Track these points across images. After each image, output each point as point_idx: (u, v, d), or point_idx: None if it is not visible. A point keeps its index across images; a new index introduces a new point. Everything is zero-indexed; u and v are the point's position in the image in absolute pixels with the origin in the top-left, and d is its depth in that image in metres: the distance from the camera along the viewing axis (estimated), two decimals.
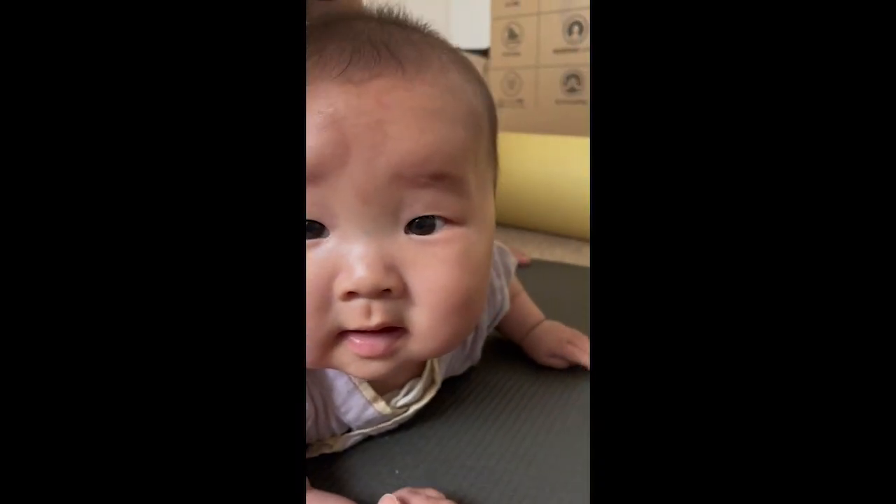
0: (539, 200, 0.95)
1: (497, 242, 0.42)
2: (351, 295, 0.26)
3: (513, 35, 1.47)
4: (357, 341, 0.27)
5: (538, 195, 0.95)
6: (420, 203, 0.26)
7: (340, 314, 0.26)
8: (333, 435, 0.38)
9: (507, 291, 0.44)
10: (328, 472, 0.37)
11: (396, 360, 0.29)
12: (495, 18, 1.48)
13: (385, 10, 0.30)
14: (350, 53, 0.25)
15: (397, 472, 0.37)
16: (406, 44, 0.26)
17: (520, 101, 1.51)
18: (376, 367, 0.29)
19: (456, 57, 0.29)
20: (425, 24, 0.31)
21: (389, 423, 0.39)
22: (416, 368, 0.38)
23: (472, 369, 0.48)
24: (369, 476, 0.37)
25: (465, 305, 0.27)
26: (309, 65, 0.25)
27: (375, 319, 0.26)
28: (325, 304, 0.26)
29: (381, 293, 0.26)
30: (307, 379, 0.34)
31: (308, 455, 0.38)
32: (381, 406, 0.36)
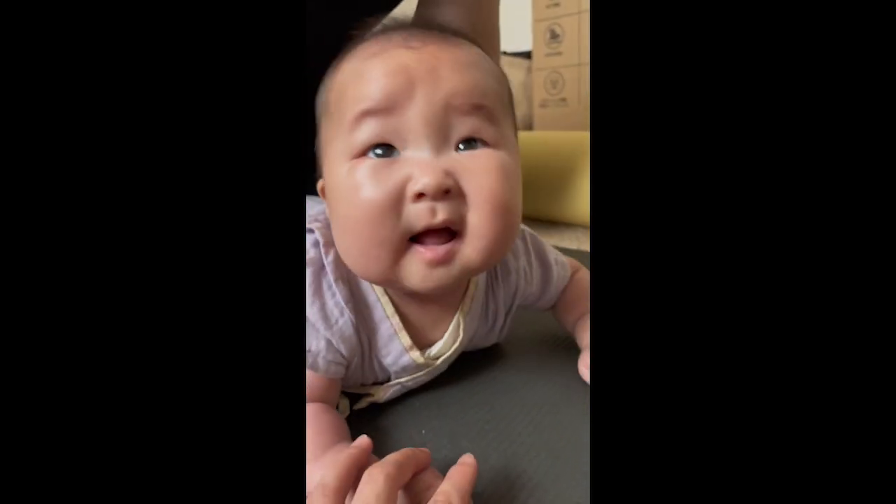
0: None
1: (523, 226, 0.47)
2: (420, 197, 0.32)
3: (554, 35, 1.50)
4: (422, 249, 0.33)
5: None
6: (466, 126, 0.33)
7: (410, 216, 0.32)
8: (376, 382, 0.44)
9: (532, 277, 0.48)
10: (367, 428, 0.43)
11: (455, 268, 0.34)
12: (537, 20, 1.51)
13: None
14: (408, 31, 0.35)
15: (423, 431, 0.43)
16: (445, 32, 0.36)
17: (563, 99, 1.54)
18: (440, 275, 0.34)
19: (480, 49, 0.38)
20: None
21: (423, 373, 0.45)
22: (446, 323, 0.43)
23: (496, 345, 0.53)
24: (400, 433, 0.43)
25: (506, 207, 0.34)
26: (374, 41, 0.35)
27: (440, 216, 0.32)
28: (398, 208, 0.32)
29: (443, 194, 0.32)
30: (358, 318, 0.40)
31: (356, 406, 0.44)
32: (415, 355, 0.42)
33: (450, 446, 0.41)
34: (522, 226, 0.47)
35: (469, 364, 0.51)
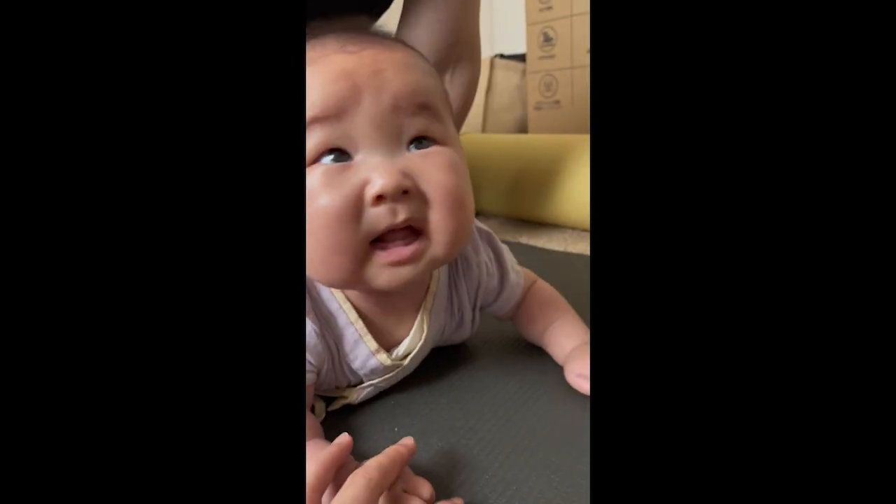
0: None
1: (479, 223, 0.48)
2: (379, 199, 0.32)
3: (547, 38, 1.51)
4: (384, 253, 0.34)
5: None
6: (415, 126, 0.35)
7: (370, 220, 0.33)
8: (349, 385, 0.46)
9: (493, 270, 0.49)
10: (341, 427, 0.45)
11: (420, 264, 0.35)
12: (530, 24, 1.53)
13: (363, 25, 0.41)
14: (344, 37, 0.35)
15: (396, 429, 0.44)
16: (380, 35, 0.38)
17: (557, 102, 1.55)
18: (405, 273, 0.35)
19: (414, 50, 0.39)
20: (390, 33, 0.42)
21: (393, 374, 0.46)
22: (411, 322, 0.44)
23: (469, 345, 0.55)
24: (373, 431, 0.44)
25: (463, 202, 0.36)
26: (310, 47, 0.35)
27: (401, 216, 0.33)
28: (358, 213, 0.33)
29: (402, 195, 0.33)
30: (322, 326, 0.41)
31: (331, 408, 0.46)
32: (382, 357, 0.44)
33: (420, 443, 0.43)
34: (479, 223, 0.48)
35: (441, 364, 0.52)
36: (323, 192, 0.32)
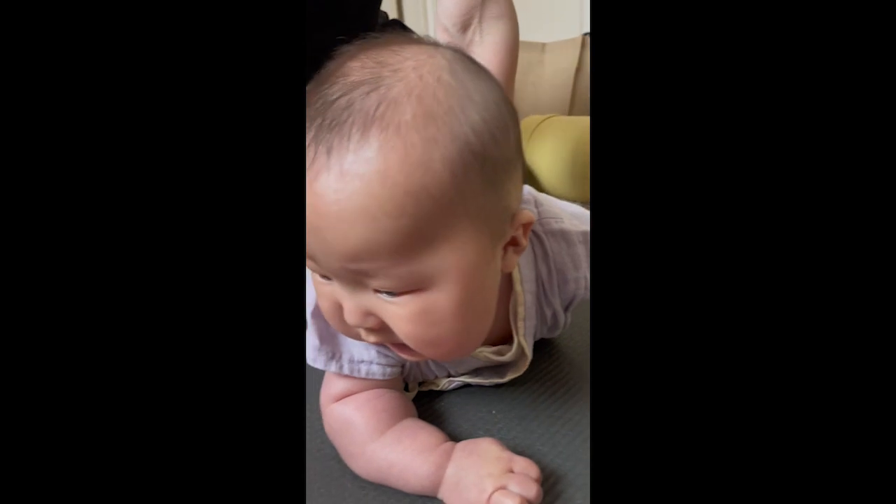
0: None
1: (585, 229, 0.44)
2: None
3: None
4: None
5: None
6: (374, 281, 0.30)
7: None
8: (436, 377, 0.45)
9: (586, 282, 0.45)
10: (435, 405, 0.45)
11: (420, 357, 0.35)
12: None
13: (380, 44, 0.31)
14: (313, 149, 0.28)
15: (494, 412, 0.44)
16: (357, 118, 0.27)
17: None
18: (408, 357, 0.35)
19: (432, 103, 0.28)
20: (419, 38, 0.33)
21: (487, 381, 0.45)
22: (505, 335, 0.43)
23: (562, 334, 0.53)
24: (471, 412, 0.44)
25: (434, 345, 0.32)
26: (308, 149, 0.28)
27: (371, 339, 0.34)
28: (342, 319, 0.33)
29: (367, 328, 0.32)
30: None
31: (421, 388, 0.46)
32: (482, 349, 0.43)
33: (519, 428, 0.42)
34: (584, 224, 0.44)
35: (540, 355, 0.51)
36: (318, 291, 0.34)
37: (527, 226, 0.34)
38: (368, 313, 0.31)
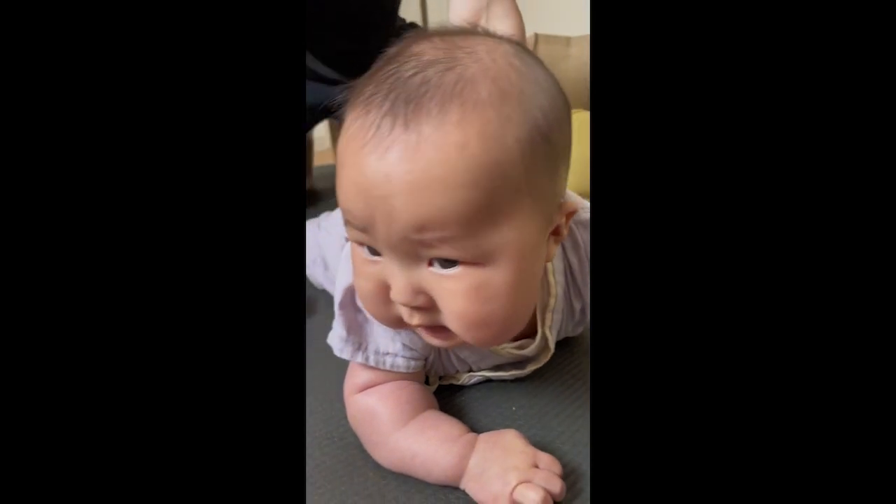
0: None
1: None
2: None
3: None
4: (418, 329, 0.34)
5: None
6: (433, 252, 0.30)
7: (397, 309, 0.34)
8: (457, 372, 0.46)
9: None
10: (455, 400, 0.45)
11: (454, 341, 0.34)
12: None
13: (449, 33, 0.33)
14: (376, 125, 0.29)
15: (514, 408, 0.44)
16: (436, 94, 0.29)
17: None
18: (440, 343, 0.35)
19: (506, 84, 0.30)
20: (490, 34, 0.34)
21: (507, 374, 0.45)
22: (528, 329, 0.43)
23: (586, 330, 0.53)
24: (491, 407, 0.44)
25: (483, 325, 0.32)
26: (351, 131, 0.30)
27: (415, 321, 0.33)
28: (387, 300, 0.33)
29: (415, 307, 0.32)
30: None
31: (442, 382, 0.46)
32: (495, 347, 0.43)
33: (539, 425, 0.42)
34: None
35: (558, 346, 0.51)
36: (360, 273, 0.34)
37: (570, 215, 0.34)
38: (419, 291, 0.31)
